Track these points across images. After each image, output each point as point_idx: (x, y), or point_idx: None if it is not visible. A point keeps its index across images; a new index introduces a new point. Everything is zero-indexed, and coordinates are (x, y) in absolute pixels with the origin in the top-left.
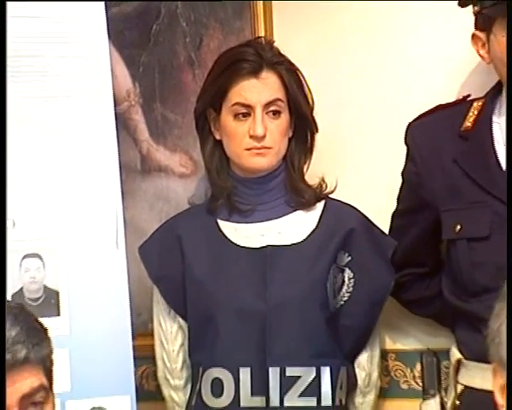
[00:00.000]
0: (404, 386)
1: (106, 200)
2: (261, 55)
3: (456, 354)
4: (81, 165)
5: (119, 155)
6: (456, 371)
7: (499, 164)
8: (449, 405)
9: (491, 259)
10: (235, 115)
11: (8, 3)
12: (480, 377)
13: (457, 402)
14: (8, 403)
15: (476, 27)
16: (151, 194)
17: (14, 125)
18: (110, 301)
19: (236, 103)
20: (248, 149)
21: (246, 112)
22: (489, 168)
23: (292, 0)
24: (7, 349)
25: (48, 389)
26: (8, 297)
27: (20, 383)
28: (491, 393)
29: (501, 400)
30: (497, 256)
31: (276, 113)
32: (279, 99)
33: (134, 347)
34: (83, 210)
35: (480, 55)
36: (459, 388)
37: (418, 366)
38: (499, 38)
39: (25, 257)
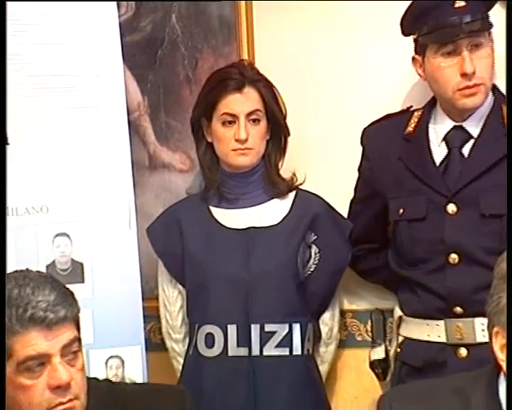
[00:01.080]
0: (359, 338)
1: (120, 190)
2: (244, 75)
3: (398, 312)
4: (101, 162)
5: (131, 154)
6: (398, 325)
7: (433, 161)
8: (392, 352)
9: (426, 236)
10: (223, 123)
11: (39, 31)
12: (417, 329)
13: (398, 350)
14: (51, 352)
15: (415, 52)
16: (156, 186)
17: (50, 131)
18: (124, 271)
19: (224, 113)
20: (234, 150)
21: (231, 120)
22: (425, 164)
23: (271, 31)
24: (49, 310)
25: (80, 340)
26: (43, 269)
27: (61, 336)
28: (425, 342)
29: (501, 355)
30: (430, 233)
31: (256, 120)
32: (258, 110)
33: (143, 307)
34: (102, 198)
35: (418, 73)
36: (400, 339)
37: (369, 322)
38: (431, 60)
39: (56, 236)
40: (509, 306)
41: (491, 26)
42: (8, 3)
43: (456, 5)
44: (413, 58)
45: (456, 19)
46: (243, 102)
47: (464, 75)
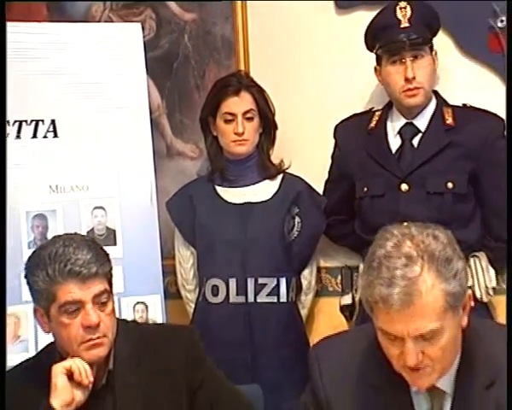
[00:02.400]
0: (331, 289)
1: (144, 173)
2: (241, 82)
3: (362, 267)
4: (129, 151)
5: (153, 145)
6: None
7: (390, 150)
8: (357, 298)
9: (385, 208)
10: (225, 120)
11: (78, 47)
12: None
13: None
14: (84, 300)
15: (376, 62)
16: (173, 170)
17: (90, 127)
18: (147, 236)
19: (225, 112)
20: (233, 141)
21: (231, 119)
22: (384, 153)
23: (263, 47)
24: (84, 267)
25: (109, 292)
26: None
27: (93, 288)
28: None
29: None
30: (388, 207)
31: (251, 118)
32: (252, 109)
33: (162, 265)
34: (130, 179)
35: (378, 80)
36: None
37: (339, 277)
38: (384, 68)
39: (94, 208)
40: (509, 306)
41: (430, 41)
42: (50, 25)
43: (402, 26)
44: (375, 68)
45: (401, 36)
46: (240, 103)
47: (407, 80)
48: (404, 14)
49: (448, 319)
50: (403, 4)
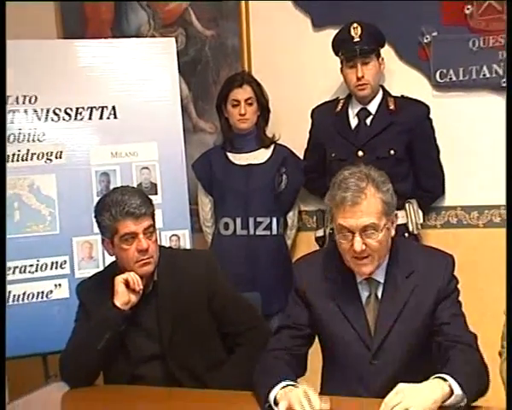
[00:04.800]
0: (308, 226)
1: (176, 144)
2: (243, 78)
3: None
4: (166, 129)
5: (183, 124)
6: (331, 218)
7: (351, 127)
8: (327, 232)
9: (338, 166)
10: (232, 105)
11: (129, 56)
12: None
13: (330, 231)
14: (138, 231)
15: (340, 65)
16: (196, 141)
17: (140, 112)
18: (179, 188)
19: (233, 100)
20: (239, 120)
21: (237, 104)
22: (346, 128)
23: (262, 53)
24: (136, 208)
25: (154, 227)
26: (135, 185)
27: (143, 223)
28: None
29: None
30: (341, 165)
31: (251, 104)
32: (252, 97)
33: (190, 209)
34: (166, 148)
35: (343, 78)
36: (331, 225)
37: (314, 217)
38: (343, 70)
39: (142, 168)
40: (509, 305)
41: (375, 51)
42: (113, 40)
43: (354, 40)
44: (340, 69)
45: (354, 47)
46: (243, 93)
47: (358, 78)
48: (356, 32)
49: (383, 220)
50: (355, 25)
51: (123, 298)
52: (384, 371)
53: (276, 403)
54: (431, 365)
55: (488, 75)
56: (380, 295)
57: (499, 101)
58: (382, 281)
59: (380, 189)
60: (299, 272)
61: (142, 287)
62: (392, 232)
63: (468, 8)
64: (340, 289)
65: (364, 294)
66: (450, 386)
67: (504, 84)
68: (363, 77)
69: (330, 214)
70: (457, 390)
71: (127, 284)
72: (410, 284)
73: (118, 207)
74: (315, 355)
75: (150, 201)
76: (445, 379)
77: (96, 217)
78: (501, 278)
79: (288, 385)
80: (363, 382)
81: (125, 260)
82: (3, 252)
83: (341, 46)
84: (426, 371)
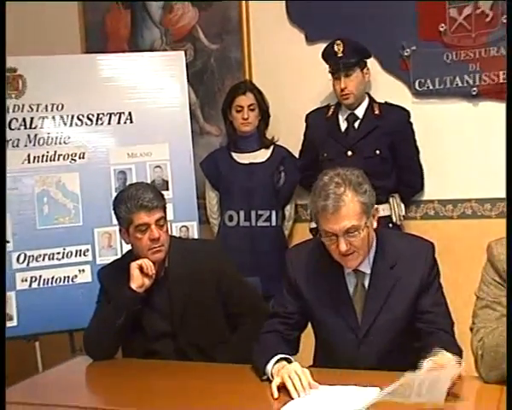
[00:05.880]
0: (303, 218)
1: (185, 145)
2: (246, 86)
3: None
4: (176, 131)
5: (191, 127)
6: (316, 220)
7: (340, 130)
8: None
9: (330, 165)
10: (236, 111)
11: (141, 68)
12: None
13: (312, 227)
14: (150, 222)
15: (330, 76)
16: (204, 143)
17: (153, 117)
18: (187, 184)
19: (236, 105)
20: (242, 124)
21: (240, 109)
22: (337, 132)
23: (262, 64)
24: (149, 202)
25: (165, 219)
26: (149, 182)
27: (155, 215)
28: None
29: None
30: (332, 164)
31: (253, 109)
32: (253, 103)
33: (198, 202)
34: (177, 149)
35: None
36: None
37: (309, 210)
38: (332, 80)
39: (155, 167)
40: (509, 305)
41: (357, 64)
42: (130, 54)
43: (338, 55)
44: (330, 79)
45: (338, 60)
46: (246, 99)
47: (341, 89)
48: (339, 48)
49: (363, 220)
50: (338, 42)
51: (137, 281)
52: (370, 357)
53: (272, 376)
54: (415, 349)
55: (460, 84)
56: (366, 285)
57: (470, 107)
58: (368, 272)
59: (357, 192)
60: (291, 260)
61: (154, 272)
62: (374, 225)
63: (442, 27)
64: (328, 279)
65: (352, 284)
66: None
67: (474, 93)
68: (346, 88)
69: (314, 217)
70: None
71: (141, 268)
72: (395, 274)
73: (133, 200)
74: (308, 337)
75: (162, 195)
76: None
77: (114, 209)
78: (471, 261)
79: (281, 358)
80: (352, 366)
81: (139, 248)
82: (3, 252)
83: (327, 60)
84: (411, 354)
